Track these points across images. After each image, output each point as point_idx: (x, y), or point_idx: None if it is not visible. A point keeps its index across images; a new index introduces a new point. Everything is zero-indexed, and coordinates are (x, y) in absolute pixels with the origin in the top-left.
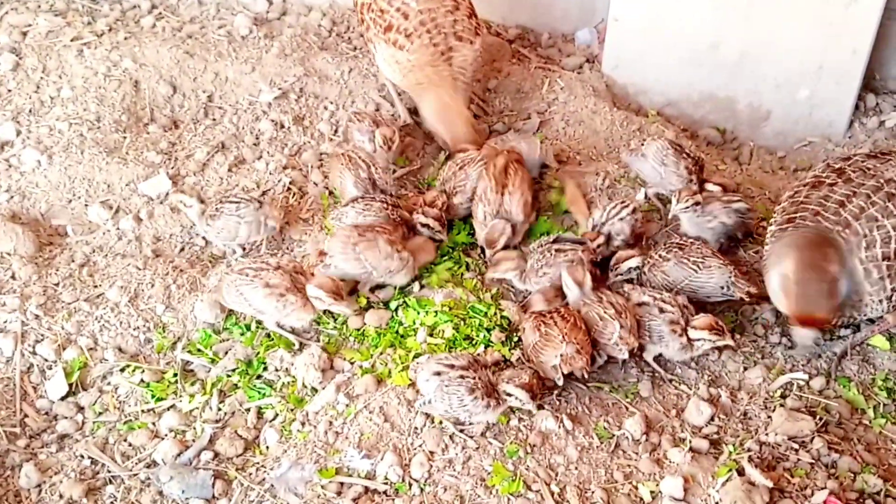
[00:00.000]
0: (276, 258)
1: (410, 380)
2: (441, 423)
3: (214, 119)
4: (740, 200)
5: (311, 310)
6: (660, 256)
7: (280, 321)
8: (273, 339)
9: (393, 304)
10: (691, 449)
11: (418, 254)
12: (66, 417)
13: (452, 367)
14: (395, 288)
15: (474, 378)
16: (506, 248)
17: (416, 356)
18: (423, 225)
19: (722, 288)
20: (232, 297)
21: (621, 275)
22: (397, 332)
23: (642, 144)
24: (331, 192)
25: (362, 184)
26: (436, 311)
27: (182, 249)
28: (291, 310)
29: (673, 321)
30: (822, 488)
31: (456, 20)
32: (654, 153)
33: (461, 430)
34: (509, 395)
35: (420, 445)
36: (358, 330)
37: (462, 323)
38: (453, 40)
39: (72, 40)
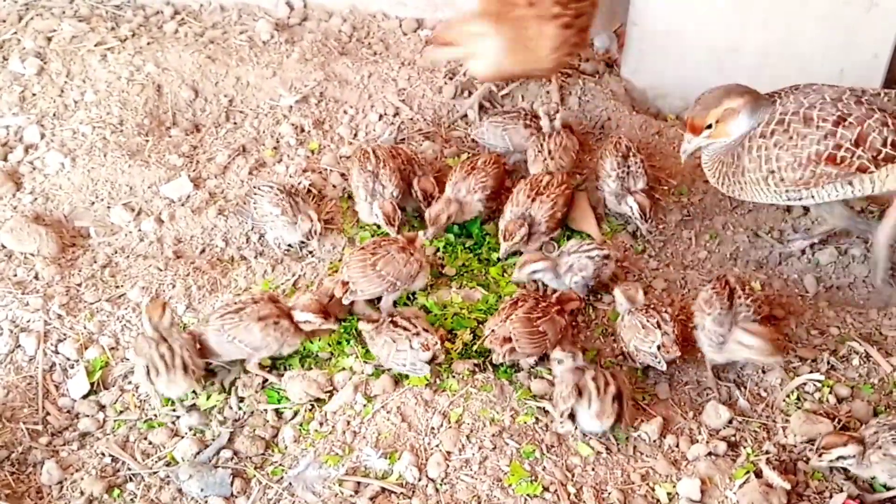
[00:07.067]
0: (248, 294)
1: (427, 380)
2: (459, 423)
3: (235, 123)
4: (596, 248)
5: (301, 333)
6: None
7: (276, 353)
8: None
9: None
10: (709, 451)
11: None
12: (87, 416)
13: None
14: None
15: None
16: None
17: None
18: None
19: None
20: (222, 345)
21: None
22: None
23: None
24: (349, 196)
25: (365, 174)
26: (454, 314)
27: (203, 251)
28: (287, 336)
29: None
30: (840, 491)
31: None
32: None
33: None
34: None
35: (437, 445)
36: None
37: (480, 326)
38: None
39: (95, 45)
